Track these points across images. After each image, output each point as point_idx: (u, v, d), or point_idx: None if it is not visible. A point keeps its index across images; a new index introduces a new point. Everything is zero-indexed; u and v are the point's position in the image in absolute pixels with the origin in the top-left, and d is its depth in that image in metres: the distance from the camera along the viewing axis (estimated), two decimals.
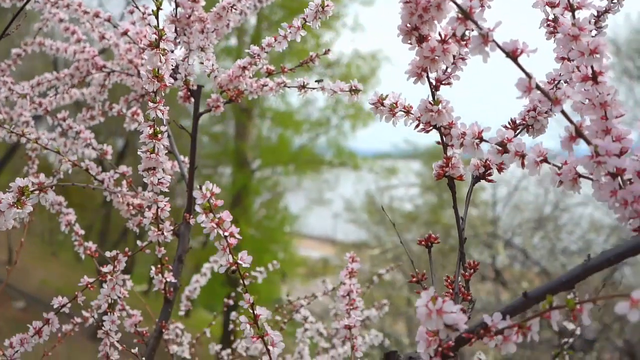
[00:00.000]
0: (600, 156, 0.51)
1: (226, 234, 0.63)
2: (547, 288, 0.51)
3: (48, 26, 1.33)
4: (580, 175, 0.56)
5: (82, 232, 1.12)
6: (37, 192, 0.69)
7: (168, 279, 0.99)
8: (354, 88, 0.86)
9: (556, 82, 0.70)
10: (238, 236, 0.64)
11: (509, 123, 0.71)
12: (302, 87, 0.97)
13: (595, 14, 0.74)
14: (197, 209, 0.63)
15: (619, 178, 0.52)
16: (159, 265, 0.98)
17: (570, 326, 1.18)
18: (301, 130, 12.80)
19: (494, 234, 5.76)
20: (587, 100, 0.57)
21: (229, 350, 1.42)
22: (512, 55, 0.52)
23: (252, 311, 0.66)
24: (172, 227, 0.93)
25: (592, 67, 0.55)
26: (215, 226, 0.63)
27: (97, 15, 1.13)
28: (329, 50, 1.03)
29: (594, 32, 0.73)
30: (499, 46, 0.51)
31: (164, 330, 1.01)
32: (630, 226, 0.52)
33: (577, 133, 0.53)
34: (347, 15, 10.95)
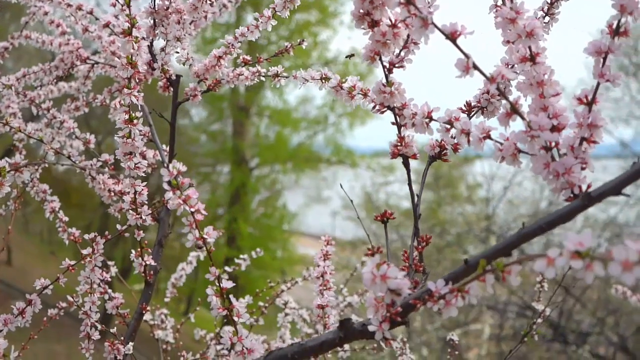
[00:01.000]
0: (534, 130, 0.55)
1: (193, 210, 0.67)
2: (485, 255, 0.55)
3: (34, 20, 1.37)
4: (520, 151, 0.59)
5: (66, 218, 1.15)
6: (12, 172, 0.72)
7: (148, 262, 1.02)
8: (324, 76, 0.90)
9: (510, 65, 0.74)
10: (204, 212, 0.68)
11: (464, 105, 0.74)
12: (276, 75, 1.01)
13: (549, 1, 0.77)
14: (166, 186, 0.67)
15: (552, 151, 0.56)
16: (139, 249, 1.02)
17: (539, 306, 1.21)
18: (299, 128, 12.83)
19: (488, 229, 5.80)
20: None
21: (212, 335, 1.46)
22: (452, 37, 0.55)
23: (218, 284, 0.70)
24: (150, 211, 0.97)
25: (529, 48, 0.58)
26: (182, 202, 0.67)
27: (79, 8, 1.17)
28: (303, 40, 1.06)
29: (547, 19, 0.77)
30: (438, 28, 0.55)
31: (144, 312, 1.04)
32: (563, 196, 0.56)
33: (513, 109, 0.56)
34: (344, 14, 10.97)
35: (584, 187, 0.54)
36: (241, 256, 1.44)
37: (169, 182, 0.66)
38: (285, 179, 12.86)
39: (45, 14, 1.27)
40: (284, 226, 11.88)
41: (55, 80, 1.26)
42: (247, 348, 0.68)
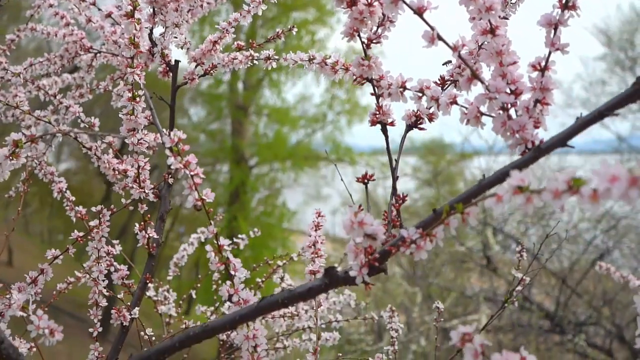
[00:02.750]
0: (492, 93, 0.62)
1: (192, 173, 0.74)
2: (449, 202, 0.62)
3: (39, 12, 1.44)
4: (482, 113, 0.66)
5: (73, 198, 1.22)
6: (29, 143, 0.79)
7: (151, 235, 1.10)
8: (311, 57, 0.97)
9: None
10: (202, 175, 0.75)
11: (439, 79, 0.82)
12: (268, 58, 1.08)
13: None
14: (169, 157, 0.74)
15: (509, 112, 0.63)
16: (142, 222, 1.09)
17: (518, 274, 1.28)
18: (297, 127, 12.90)
19: (484, 222, 5.88)
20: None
21: (212, 308, 1.53)
22: (419, 11, 0.63)
23: (216, 241, 0.77)
24: (152, 186, 1.04)
25: (489, 21, 0.65)
26: (182, 167, 0.74)
27: None
28: (293, 26, 1.13)
29: (513, 1, 0.84)
30: (406, 4, 0.62)
31: (147, 282, 1.11)
32: (518, 151, 0.63)
33: (473, 75, 0.64)
34: (341, 12, 11.01)
35: (536, 142, 0.62)
36: (239, 236, 1.52)
37: (170, 149, 0.73)
38: (284, 177, 12.93)
39: (50, 6, 1.34)
40: (284, 224, 11.94)
41: (60, 70, 1.33)
42: (242, 298, 0.76)
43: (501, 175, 0.61)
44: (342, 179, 1.12)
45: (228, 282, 0.77)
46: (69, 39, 1.34)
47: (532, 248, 6.95)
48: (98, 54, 1.32)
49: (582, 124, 0.58)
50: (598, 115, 0.57)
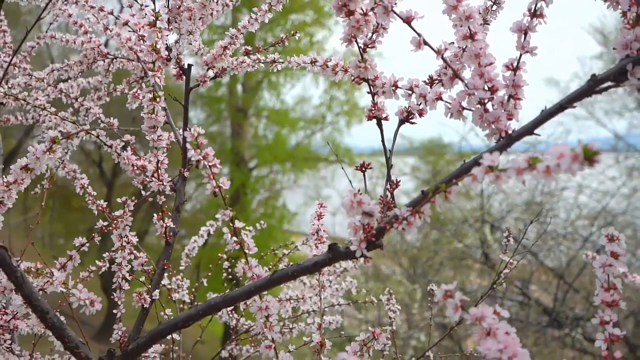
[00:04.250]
0: (470, 90, 0.72)
1: (210, 164, 0.85)
2: (435, 185, 0.72)
3: (58, 21, 1.54)
4: (463, 108, 0.77)
5: (94, 193, 1.33)
6: (65, 139, 0.90)
7: (168, 225, 1.20)
8: (313, 60, 1.07)
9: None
10: (219, 166, 0.85)
11: (427, 79, 0.92)
12: (273, 61, 1.18)
13: None
14: (189, 152, 0.84)
15: (486, 106, 0.73)
16: (160, 213, 1.19)
17: (505, 257, 1.38)
18: (297, 128, 13.00)
19: (483, 219, 5.98)
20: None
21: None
22: (407, 20, 0.73)
23: (232, 224, 0.87)
24: (170, 179, 1.14)
25: (469, 28, 0.76)
26: (202, 158, 0.84)
27: (101, 9, 1.34)
28: (296, 32, 1.24)
29: (494, 7, 0.94)
30: (396, 14, 0.72)
31: (165, 267, 1.22)
32: (494, 139, 0.73)
33: (455, 75, 0.74)
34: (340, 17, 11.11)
35: (509, 132, 0.72)
36: (247, 228, 1.62)
37: (191, 142, 0.83)
38: (284, 178, 13.03)
39: (69, 15, 1.44)
40: (284, 226, 12.02)
41: (79, 75, 1.44)
42: (256, 274, 0.86)
43: (478, 160, 0.71)
44: (346, 174, 1.22)
45: (243, 260, 0.88)
46: (87, 45, 1.44)
47: (528, 244, 7.06)
48: (114, 59, 1.43)
49: (546, 115, 0.68)
50: (559, 108, 0.68)
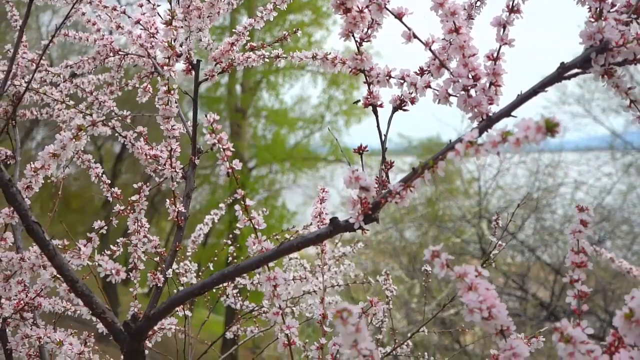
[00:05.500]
0: (455, 77, 0.82)
1: (224, 147, 0.94)
2: (424, 162, 0.81)
3: (71, 20, 1.63)
4: (449, 94, 0.86)
5: (108, 181, 1.41)
6: (91, 127, 0.98)
7: (179, 209, 1.29)
8: (314, 55, 1.16)
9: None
10: (232, 149, 0.95)
11: (419, 69, 1.01)
12: (277, 57, 1.27)
13: None
14: (207, 137, 0.93)
15: (470, 92, 0.82)
16: (172, 199, 1.28)
17: (493, 239, 1.47)
18: (295, 128, 13.09)
19: (479, 214, 6.08)
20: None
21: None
22: (399, 16, 0.82)
23: (243, 202, 0.96)
24: (182, 166, 1.23)
25: (454, 23, 0.85)
26: (217, 142, 0.93)
27: (114, 8, 1.43)
28: (298, 29, 1.33)
29: (478, 3, 1.03)
30: (389, 11, 0.82)
31: (177, 249, 1.31)
32: (477, 122, 0.82)
33: (441, 64, 0.83)
34: (337, 15, 11.21)
35: (490, 114, 0.81)
36: (261, 209, 1.70)
37: (207, 127, 0.92)
38: (283, 178, 13.11)
39: (83, 14, 1.53)
40: (284, 225, 12.10)
41: (93, 70, 1.53)
42: (264, 247, 0.95)
43: (462, 139, 0.80)
44: (347, 161, 1.31)
45: (252, 235, 0.97)
46: (100, 42, 1.53)
47: (525, 240, 7.17)
48: (126, 56, 1.52)
49: (521, 99, 0.77)
50: (533, 92, 0.77)
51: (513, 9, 0.83)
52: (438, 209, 8.30)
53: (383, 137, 0.97)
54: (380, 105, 0.96)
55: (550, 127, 0.58)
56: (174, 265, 1.61)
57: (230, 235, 1.98)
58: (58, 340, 1.03)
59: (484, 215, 6.34)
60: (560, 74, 0.76)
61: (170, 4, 1.01)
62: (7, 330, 1.19)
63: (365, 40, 0.92)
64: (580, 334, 0.62)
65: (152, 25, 1.37)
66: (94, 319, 1.05)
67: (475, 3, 1.02)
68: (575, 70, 0.76)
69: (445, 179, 10.48)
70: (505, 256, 6.71)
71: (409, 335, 1.51)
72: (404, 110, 0.99)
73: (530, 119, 0.60)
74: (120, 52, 1.53)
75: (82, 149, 1.51)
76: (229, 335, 1.72)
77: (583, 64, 0.75)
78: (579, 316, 0.80)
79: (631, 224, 7.97)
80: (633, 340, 0.64)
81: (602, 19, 0.74)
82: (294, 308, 1.55)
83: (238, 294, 1.70)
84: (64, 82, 1.49)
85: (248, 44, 1.31)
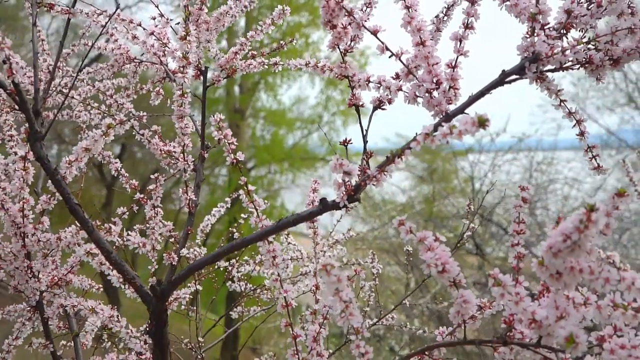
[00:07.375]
0: (420, 82, 1.00)
1: (229, 141, 1.12)
2: (395, 151, 1.00)
3: (89, 31, 1.82)
4: (417, 95, 1.04)
5: (127, 174, 1.60)
6: (118, 124, 1.17)
7: (191, 197, 1.47)
8: (307, 62, 1.35)
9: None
10: (235, 143, 1.13)
11: (394, 74, 1.20)
12: (276, 63, 1.46)
13: (446, 5, 1.22)
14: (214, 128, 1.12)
15: (433, 94, 1.01)
16: (185, 187, 1.47)
17: (466, 221, 1.66)
18: (294, 128, 13.26)
19: (472, 210, 6.26)
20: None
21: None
22: (374, 32, 1.01)
23: (246, 187, 1.15)
24: (193, 159, 1.42)
25: (420, 37, 1.03)
26: (222, 137, 1.12)
27: (131, 21, 1.62)
28: (293, 39, 1.52)
29: (445, 18, 1.22)
30: (366, 28, 1.00)
31: (189, 233, 1.49)
32: (437, 118, 1.01)
33: (409, 72, 1.02)
34: None
35: (448, 112, 1.00)
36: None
37: (214, 125, 1.11)
38: (282, 178, 13.29)
39: (103, 26, 1.72)
40: None
41: (112, 76, 1.71)
42: (264, 225, 1.14)
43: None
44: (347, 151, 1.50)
45: (255, 214, 1.15)
46: (117, 51, 1.71)
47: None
48: (141, 63, 1.70)
49: (471, 100, 0.96)
50: (480, 94, 0.95)
51: (468, 26, 1.02)
52: (434, 207, 8.50)
53: (364, 132, 1.15)
54: (362, 105, 1.14)
55: (481, 122, 0.77)
56: (184, 251, 1.80)
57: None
58: (90, 307, 1.22)
59: (477, 212, 6.53)
60: (502, 79, 0.95)
61: (186, 22, 1.19)
62: (43, 302, 1.37)
63: (349, 51, 1.11)
64: (508, 279, 0.81)
65: (164, 36, 1.56)
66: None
67: (443, 18, 1.21)
68: (515, 76, 0.95)
69: (442, 178, 10.68)
70: (499, 251, 6.90)
71: (392, 307, 1.69)
72: (382, 109, 1.18)
73: (467, 115, 0.79)
74: (135, 60, 1.72)
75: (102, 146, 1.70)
76: (233, 314, 1.91)
77: (519, 71, 0.93)
78: (518, 272, 0.99)
79: (622, 218, 8.16)
80: (553, 285, 0.82)
81: (535, 35, 0.93)
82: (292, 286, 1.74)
83: (242, 278, 1.89)
84: (86, 85, 1.68)
85: (249, 52, 1.50)
